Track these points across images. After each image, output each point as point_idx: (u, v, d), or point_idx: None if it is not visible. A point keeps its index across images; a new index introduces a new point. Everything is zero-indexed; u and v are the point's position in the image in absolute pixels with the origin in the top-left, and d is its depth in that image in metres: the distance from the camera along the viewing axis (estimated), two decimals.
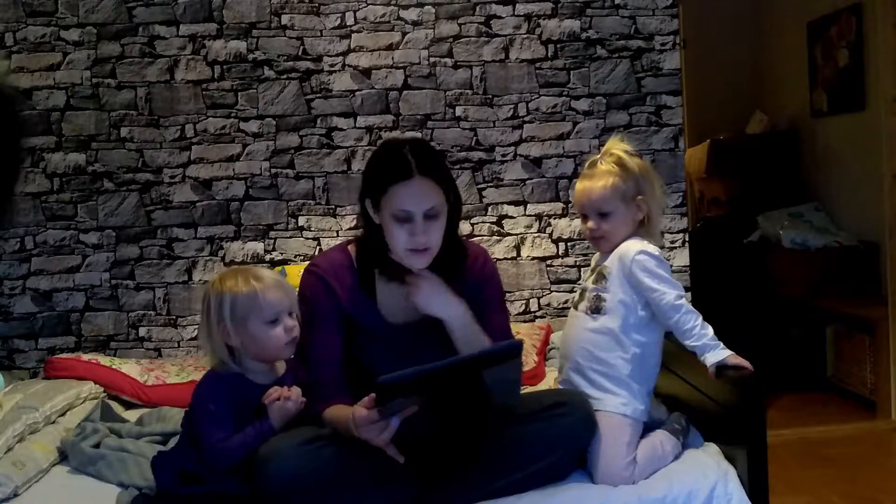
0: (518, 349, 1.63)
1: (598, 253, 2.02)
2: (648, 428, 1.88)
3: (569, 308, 2.92)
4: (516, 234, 2.96)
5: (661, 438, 1.84)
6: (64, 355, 2.63)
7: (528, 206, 2.96)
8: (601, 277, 1.91)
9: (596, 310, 1.89)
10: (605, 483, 1.76)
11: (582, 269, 2.96)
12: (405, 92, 2.91)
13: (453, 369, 1.59)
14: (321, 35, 2.89)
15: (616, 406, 1.83)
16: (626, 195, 1.89)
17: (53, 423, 2.17)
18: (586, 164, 1.97)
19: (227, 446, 1.67)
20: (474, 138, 2.94)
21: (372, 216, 1.79)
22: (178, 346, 2.88)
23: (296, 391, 1.72)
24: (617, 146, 1.94)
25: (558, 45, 2.95)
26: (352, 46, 2.89)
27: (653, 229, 1.95)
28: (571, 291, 2.97)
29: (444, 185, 1.76)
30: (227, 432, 1.68)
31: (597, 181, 1.90)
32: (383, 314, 1.85)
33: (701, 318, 1.84)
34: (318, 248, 2.89)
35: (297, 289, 1.87)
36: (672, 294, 1.82)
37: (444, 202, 1.77)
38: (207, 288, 1.79)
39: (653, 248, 1.88)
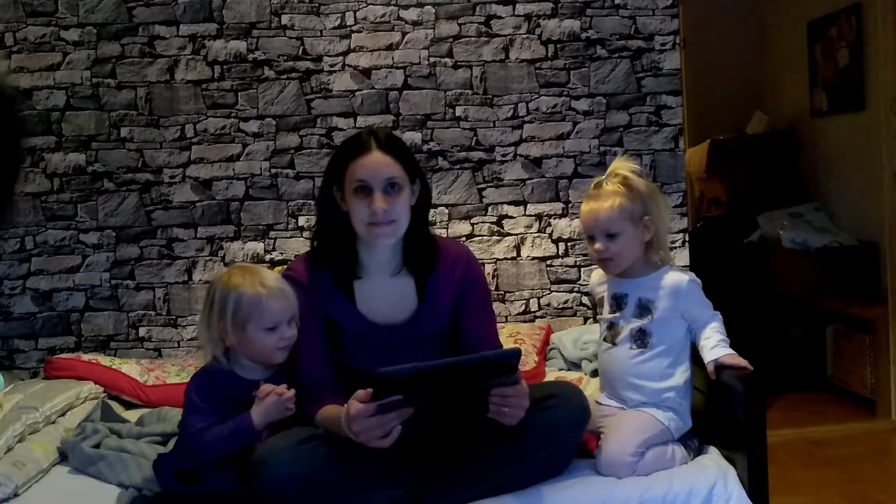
0: (517, 356, 1.63)
1: (601, 279, 2.01)
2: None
3: (569, 308, 2.97)
4: (516, 234, 2.96)
5: (673, 447, 1.85)
6: (64, 355, 2.63)
7: (528, 206, 2.96)
8: (645, 311, 1.89)
9: (642, 344, 1.89)
10: (607, 467, 1.77)
11: (582, 269, 2.97)
12: (405, 92, 2.91)
13: (453, 370, 1.58)
14: (321, 35, 2.89)
15: (664, 419, 1.86)
16: (633, 216, 1.89)
17: (53, 423, 2.17)
18: (592, 185, 1.96)
19: (204, 436, 1.70)
20: (474, 138, 2.94)
21: (340, 204, 1.83)
22: (178, 346, 2.88)
23: (290, 393, 1.73)
24: (623, 166, 1.93)
25: (558, 45, 2.95)
26: (352, 46, 2.89)
27: (661, 250, 1.96)
28: (571, 291, 2.97)
29: (404, 162, 1.80)
30: (206, 423, 1.71)
31: (603, 202, 1.89)
32: (363, 313, 1.85)
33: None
34: None
35: None
36: (712, 314, 1.91)
37: (405, 178, 1.79)
38: (215, 280, 1.82)
39: (691, 274, 1.95)
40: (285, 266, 2.11)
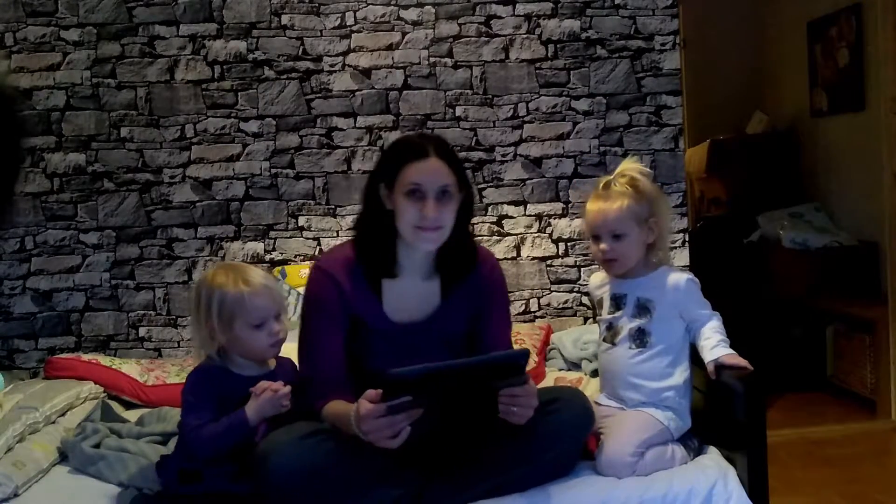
0: (525, 357, 1.63)
1: (601, 282, 2.02)
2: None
3: (569, 308, 2.97)
4: (516, 234, 2.96)
5: (673, 447, 1.85)
6: (64, 355, 2.63)
7: (528, 206, 2.96)
8: (644, 311, 1.90)
9: (641, 343, 1.89)
10: (607, 467, 1.77)
11: (582, 269, 2.97)
12: (405, 92, 2.91)
13: (462, 371, 1.59)
14: (321, 35, 2.89)
15: (664, 418, 1.86)
16: (639, 217, 1.89)
17: (53, 423, 2.17)
18: (599, 185, 1.96)
19: (200, 433, 1.70)
20: (474, 138, 2.94)
21: (384, 201, 1.83)
22: (178, 346, 2.88)
23: (286, 389, 1.72)
24: (632, 168, 1.94)
25: (558, 45, 2.95)
26: (352, 46, 2.89)
27: (661, 251, 1.96)
28: (571, 291, 2.97)
29: (457, 172, 1.81)
30: (201, 421, 1.71)
31: (613, 203, 1.89)
32: (387, 313, 1.86)
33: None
34: (318, 248, 2.89)
35: (305, 285, 1.90)
36: (710, 313, 1.91)
37: (456, 186, 1.80)
38: (200, 280, 1.82)
39: (689, 274, 1.95)
40: (320, 256, 2.11)
